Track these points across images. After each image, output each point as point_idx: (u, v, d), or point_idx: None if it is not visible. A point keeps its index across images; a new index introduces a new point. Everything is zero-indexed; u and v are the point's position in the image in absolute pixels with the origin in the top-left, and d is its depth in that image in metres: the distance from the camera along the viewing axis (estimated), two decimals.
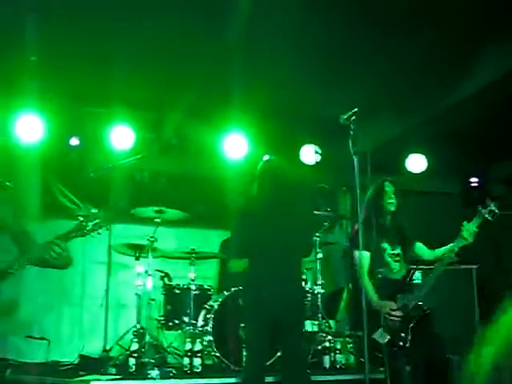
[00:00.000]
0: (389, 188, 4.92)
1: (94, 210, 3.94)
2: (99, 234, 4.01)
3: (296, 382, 4.56)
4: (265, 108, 6.65)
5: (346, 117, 4.20)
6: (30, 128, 6.52)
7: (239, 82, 5.98)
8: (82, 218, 3.83)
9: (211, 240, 7.49)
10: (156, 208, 6.47)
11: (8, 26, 5.18)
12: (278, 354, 5.37)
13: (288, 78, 6.12)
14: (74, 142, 6.89)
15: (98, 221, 3.88)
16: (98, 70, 5.89)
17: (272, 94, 6.36)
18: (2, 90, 6.07)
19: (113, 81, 5.91)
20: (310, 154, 7.32)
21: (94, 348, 6.43)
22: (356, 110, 4.16)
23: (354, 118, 4.17)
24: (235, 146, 7.20)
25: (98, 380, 5.09)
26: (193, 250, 6.52)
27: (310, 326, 6.28)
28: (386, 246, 4.87)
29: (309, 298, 6.36)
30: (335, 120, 4.22)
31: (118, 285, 6.97)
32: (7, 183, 4.07)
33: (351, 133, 4.12)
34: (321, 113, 6.74)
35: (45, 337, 6.29)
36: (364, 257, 4.70)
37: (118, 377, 5.42)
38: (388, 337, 4.50)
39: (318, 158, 7.35)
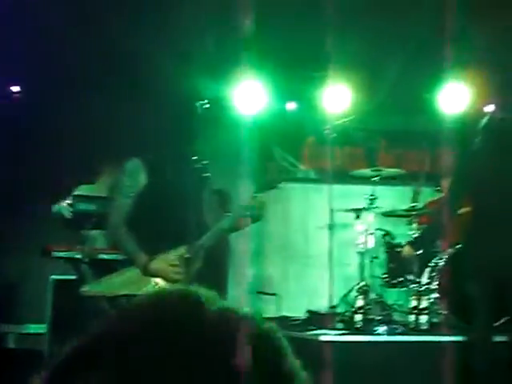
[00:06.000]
0: None
1: (311, 172, 4.00)
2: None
3: None
4: None
5: None
6: (251, 97, 6.84)
7: None
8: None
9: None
10: (373, 168, 6.49)
11: None
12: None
13: None
14: (291, 106, 7.13)
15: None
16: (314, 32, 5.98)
17: None
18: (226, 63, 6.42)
19: (329, 42, 5.96)
20: None
21: (320, 305, 6.67)
22: None
23: None
24: (453, 98, 6.88)
25: (327, 335, 5.31)
26: (413, 207, 6.43)
27: None
28: None
29: None
30: None
31: (340, 244, 7.11)
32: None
33: None
34: None
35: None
36: None
37: (345, 332, 5.61)
38: None
39: None
